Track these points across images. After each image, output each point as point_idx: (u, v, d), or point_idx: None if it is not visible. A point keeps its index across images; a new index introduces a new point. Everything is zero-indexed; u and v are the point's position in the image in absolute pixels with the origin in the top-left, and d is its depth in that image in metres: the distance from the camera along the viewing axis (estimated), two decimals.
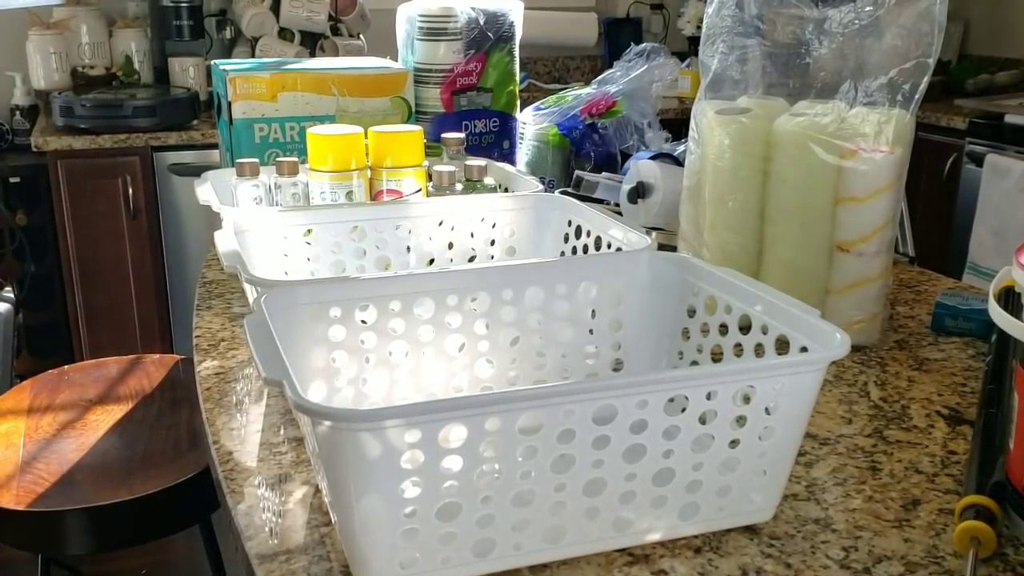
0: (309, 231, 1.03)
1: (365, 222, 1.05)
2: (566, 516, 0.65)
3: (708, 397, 0.64)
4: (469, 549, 0.64)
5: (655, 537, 0.69)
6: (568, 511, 0.65)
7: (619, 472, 0.65)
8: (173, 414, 1.44)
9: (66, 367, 1.60)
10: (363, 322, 0.80)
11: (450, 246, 1.09)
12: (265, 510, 0.73)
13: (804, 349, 0.70)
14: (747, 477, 0.69)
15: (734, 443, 0.67)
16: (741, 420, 0.66)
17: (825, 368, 0.67)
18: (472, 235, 1.10)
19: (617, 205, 1.39)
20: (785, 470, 0.70)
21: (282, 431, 0.86)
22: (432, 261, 1.09)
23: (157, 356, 1.64)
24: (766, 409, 0.66)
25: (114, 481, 1.26)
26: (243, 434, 0.86)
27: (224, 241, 0.93)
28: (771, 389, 0.66)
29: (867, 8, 1.01)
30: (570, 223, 1.08)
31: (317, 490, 0.76)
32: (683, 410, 0.64)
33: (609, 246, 0.99)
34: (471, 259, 1.11)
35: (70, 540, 1.23)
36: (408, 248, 1.07)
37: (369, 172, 1.22)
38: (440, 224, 1.08)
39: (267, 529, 0.71)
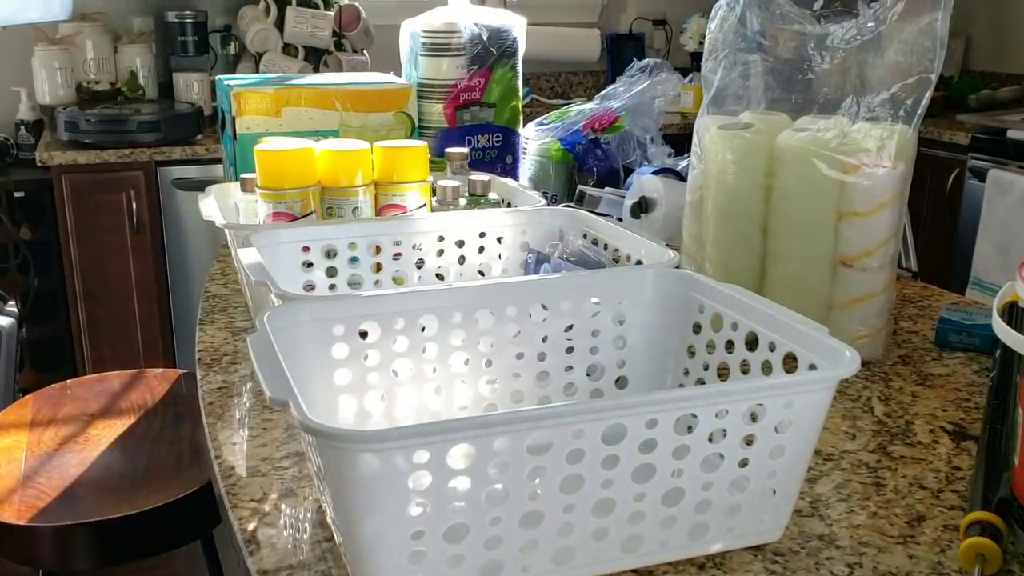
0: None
1: (373, 238, 1.05)
2: (575, 537, 0.65)
3: (718, 416, 0.64)
4: (477, 571, 0.63)
5: (664, 558, 0.68)
6: (577, 532, 0.64)
7: (628, 492, 0.64)
8: (175, 429, 1.44)
9: (68, 381, 1.60)
10: (366, 339, 0.80)
11: (461, 260, 1.10)
12: (267, 525, 0.73)
13: (812, 367, 0.70)
14: (756, 497, 0.68)
15: (743, 462, 0.67)
16: (750, 439, 0.66)
17: (835, 386, 0.67)
18: (481, 250, 1.10)
19: (620, 220, 1.39)
20: (795, 489, 0.70)
21: (284, 446, 0.86)
22: (440, 277, 1.09)
23: (160, 370, 1.64)
24: (775, 428, 0.66)
25: (116, 496, 1.26)
26: (245, 449, 0.86)
27: (248, 254, 0.92)
28: (781, 407, 0.65)
29: (869, 24, 1.02)
30: (585, 236, 1.08)
31: (319, 505, 0.76)
32: (689, 429, 0.64)
33: (628, 259, 0.99)
34: (479, 273, 1.11)
35: (71, 555, 1.23)
36: (421, 263, 1.07)
37: (375, 187, 1.22)
38: (441, 239, 1.08)
39: (269, 544, 0.70)
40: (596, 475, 0.63)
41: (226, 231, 1.10)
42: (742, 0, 1.07)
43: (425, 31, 1.60)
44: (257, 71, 2.85)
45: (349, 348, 0.79)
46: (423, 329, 0.81)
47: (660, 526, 0.66)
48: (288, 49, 2.90)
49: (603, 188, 1.54)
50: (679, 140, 1.95)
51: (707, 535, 0.68)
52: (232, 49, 3.06)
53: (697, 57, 3.43)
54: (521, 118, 1.70)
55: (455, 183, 1.21)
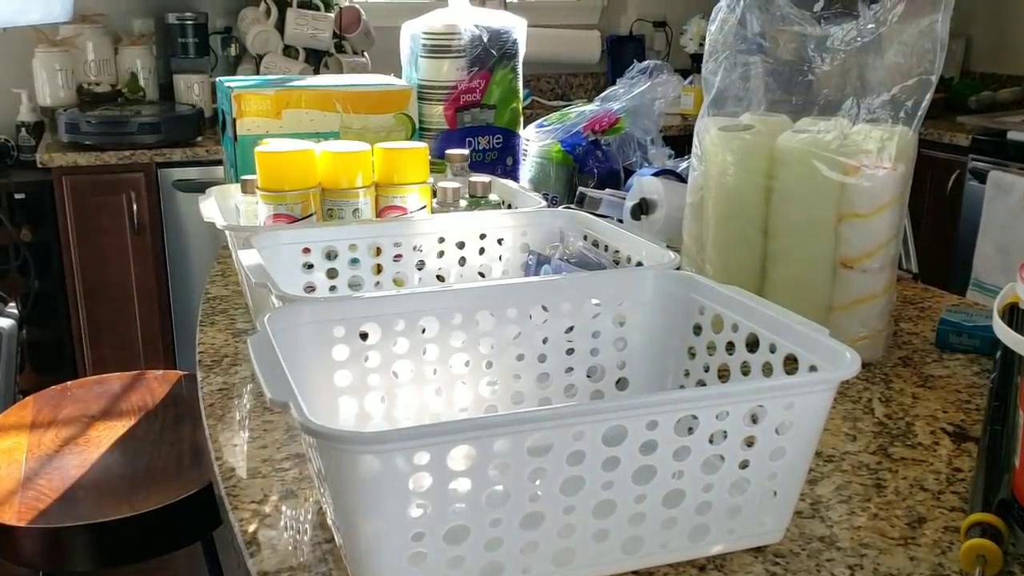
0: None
1: (373, 239, 1.05)
2: (575, 539, 0.65)
3: (718, 417, 0.64)
4: (477, 573, 0.63)
5: (665, 560, 0.68)
6: (577, 534, 0.64)
7: (628, 494, 0.64)
8: (176, 430, 1.44)
9: (69, 383, 1.60)
10: (367, 341, 0.80)
11: (462, 262, 1.10)
12: (267, 527, 0.73)
13: (813, 368, 0.70)
14: (757, 498, 0.68)
15: (744, 464, 0.67)
16: (751, 440, 0.66)
17: (836, 387, 0.67)
18: (482, 251, 1.10)
19: (620, 221, 1.39)
20: (795, 491, 0.70)
21: (285, 448, 0.86)
22: (441, 278, 1.09)
23: (160, 372, 1.64)
24: (776, 429, 0.66)
25: (116, 497, 1.25)
26: (246, 450, 0.86)
27: (248, 256, 0.92)
28: (782, 409, 0.65)
29: (869, 25, 1.02)
30: (586, 238, 1.08)
31: (320, 507, 0.76)
32: (690, 430, 0.64)
33: (629, 260, 0.99)
34: (480, 274, 1.11)
35: (72, 557, 1.23)
36: (422, 264, 1.07)
37: (375, 188, 1.22)
38: (441, 241, 1.08)
39: (269, 546, 0.70)
40: (597, 476, 0.63)
41: (227, 233, 1.11)
42: (742, 2, 1.07)
43: (425, 33, 1.60)
44: (257, 73, 2.85)
45: (349, 349, 0.79)
46: (423, 331, 0.81)
47: (661, 528, 0.66)
48: (288, 51, 2.90)
49: (603, 190, 1.54)
50: (679, 142, 1.95)
51: (708, 537, 0.68)
52: (232, 51, 3.06)
53: (697, 59, 3.44)
54: (521, 120, 1.70)
55: (455, 185, 1.21)
